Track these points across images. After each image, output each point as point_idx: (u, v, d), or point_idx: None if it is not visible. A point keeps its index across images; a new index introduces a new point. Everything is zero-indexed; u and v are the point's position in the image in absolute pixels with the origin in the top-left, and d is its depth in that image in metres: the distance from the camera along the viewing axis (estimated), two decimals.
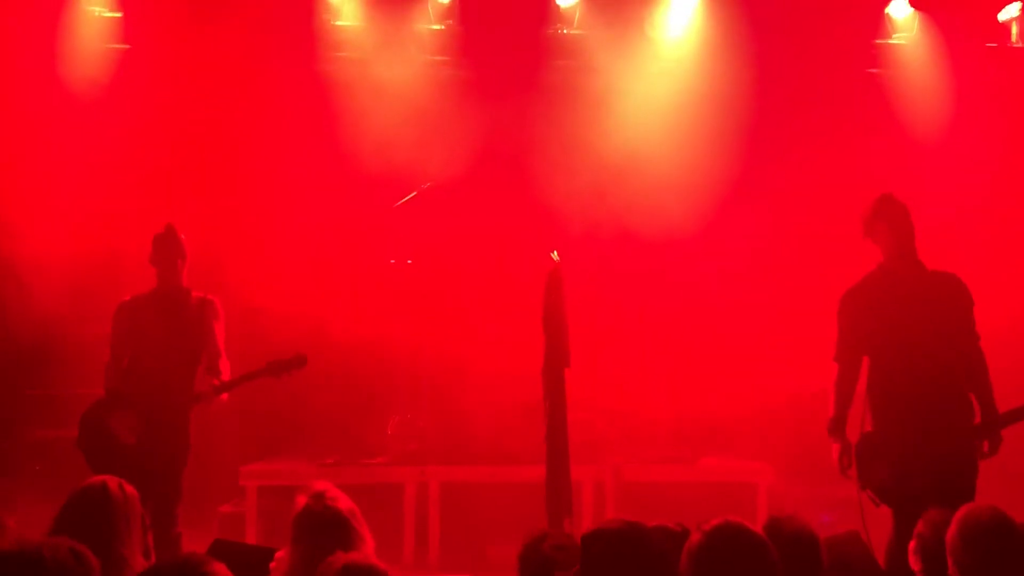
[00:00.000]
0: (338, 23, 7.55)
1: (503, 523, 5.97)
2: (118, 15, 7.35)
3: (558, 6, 7.51)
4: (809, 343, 6.95)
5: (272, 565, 3.32)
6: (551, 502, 5.24)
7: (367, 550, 3.14)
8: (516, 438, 6.55)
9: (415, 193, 7.25)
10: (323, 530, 3.16)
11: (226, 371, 5.33)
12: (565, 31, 7.62)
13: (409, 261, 7.43)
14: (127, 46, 7.40)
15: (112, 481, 3.26)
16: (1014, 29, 7.72)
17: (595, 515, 6.38)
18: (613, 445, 6.98)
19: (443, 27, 7.57)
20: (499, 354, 6.85)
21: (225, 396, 5.29)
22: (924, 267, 4.71)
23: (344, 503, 3.26)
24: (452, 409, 7.04)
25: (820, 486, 6.51)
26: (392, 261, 7.46)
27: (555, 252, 5.18)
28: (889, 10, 7.65)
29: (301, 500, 3.28)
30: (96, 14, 7.33)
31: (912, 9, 7.61)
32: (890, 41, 7.75)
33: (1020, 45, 7.73)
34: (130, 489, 3.28)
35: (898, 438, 4.53)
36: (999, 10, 7.64)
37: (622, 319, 7.51)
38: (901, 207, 4.71)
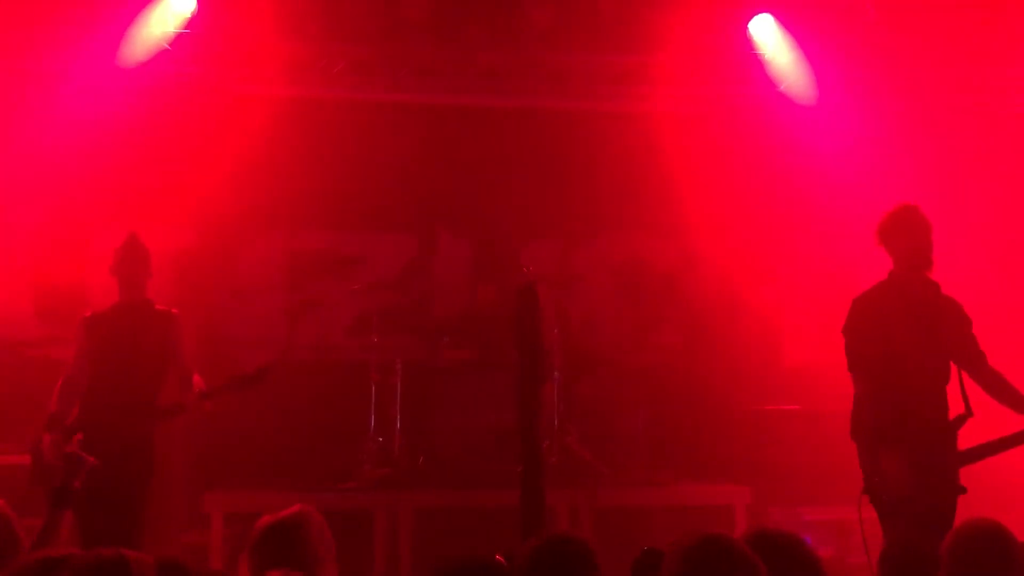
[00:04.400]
0: None
1: (476, 550, 5.78)
2: None
3: None
4: (786, 359, 6.96)
5: None
6: (525, 528, 5.08)
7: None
8: (490, 462, 6.39)
9: None
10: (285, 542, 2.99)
11: (200, 387, 5.08)
12: None
13: None
14: None
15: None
16: None
17: None
18: (589, 468, 6.83)
19: None
20: (473, 375, 6.71)
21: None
22: (935, 285, 4.60)
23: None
24: (424, 432, 6.88)
25: (798, 507, 6.44)
26: None
27: (527, 267, 5.07)
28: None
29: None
30: None
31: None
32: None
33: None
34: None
35: (907, 436, 4.34)
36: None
37: (597, 336, 7.39)
38: (923, 220, 4.56)
